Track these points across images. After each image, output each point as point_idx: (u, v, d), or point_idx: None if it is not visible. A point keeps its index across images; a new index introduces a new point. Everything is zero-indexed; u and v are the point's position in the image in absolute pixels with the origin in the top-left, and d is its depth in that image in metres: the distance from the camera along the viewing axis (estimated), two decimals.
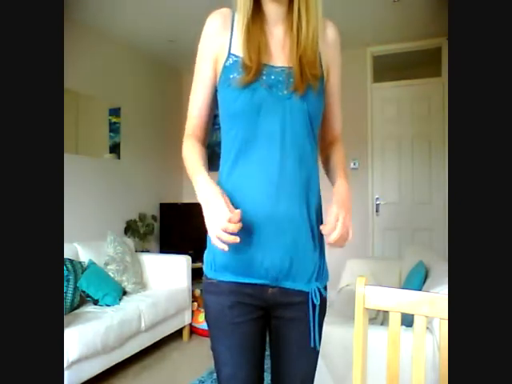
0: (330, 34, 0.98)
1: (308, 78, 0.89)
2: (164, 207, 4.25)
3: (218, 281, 0.93)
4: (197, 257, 4.06)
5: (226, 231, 0.79)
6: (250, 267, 0.90)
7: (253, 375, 0.95)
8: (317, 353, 0.97)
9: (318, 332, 0.94)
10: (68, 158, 3.15)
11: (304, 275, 0.92)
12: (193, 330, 3.44)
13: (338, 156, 1.04)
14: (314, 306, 0.92)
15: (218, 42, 0.93)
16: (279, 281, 0.91)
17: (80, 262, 2.80)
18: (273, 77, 0.90)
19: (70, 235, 3.07)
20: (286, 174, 0.89)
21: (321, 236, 0.94)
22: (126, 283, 3.04)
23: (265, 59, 0.90)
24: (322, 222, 0.96)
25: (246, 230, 0.85)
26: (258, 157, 0.89)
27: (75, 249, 2.94)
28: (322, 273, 0.96)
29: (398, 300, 1.05)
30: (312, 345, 0.94)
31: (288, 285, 0.92)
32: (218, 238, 0.80)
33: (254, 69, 0.87)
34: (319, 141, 1.02)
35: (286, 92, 0.89)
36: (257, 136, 0.89)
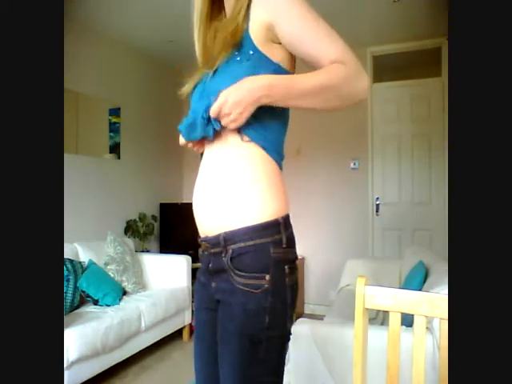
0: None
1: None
2: (164, 207, 4.25)
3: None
4: (197, 257, 4.07)
5: None
6: None
7: None
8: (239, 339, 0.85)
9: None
10: (68, 158, 3.15)
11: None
12: (193, 330, 3.43)
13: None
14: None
15: None
16: None
17: (80, 262, 2.80)
18: None
19: (70, 235, 3.07)
20: None
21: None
22: (126, 283, 3.05)
23: None
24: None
25: None
26: None
27: (75, 249, 2.94)
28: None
29: (397, 300, 1.05)
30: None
31: None
32: None
33: None
34: None
35: None
36: None
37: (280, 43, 0.87)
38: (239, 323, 0.85)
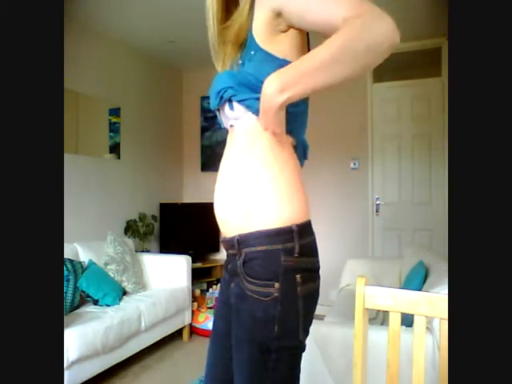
0: None
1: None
2: (164, 207, 4.25)
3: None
4: (197, 257, 4.07)
5: None
6: None
7: None
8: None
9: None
10: (68, 158, 3.15)
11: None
12: (193, 330, 3.44)
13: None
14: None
15: None
16: None
17: (80, 262, 2.80)
18: None
19: (70, 235, 3.07)
20: None
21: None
22: (126, 283, 3.05)
23: None
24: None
25: None
26: None
27: (75, 249, 2.94)
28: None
29: (397, 300, 1.05)
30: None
31: None
32: None
33: None
34: None
35: None
36: None
37: (287, 31, 0.85)
38: (248, 330, 0.84)
